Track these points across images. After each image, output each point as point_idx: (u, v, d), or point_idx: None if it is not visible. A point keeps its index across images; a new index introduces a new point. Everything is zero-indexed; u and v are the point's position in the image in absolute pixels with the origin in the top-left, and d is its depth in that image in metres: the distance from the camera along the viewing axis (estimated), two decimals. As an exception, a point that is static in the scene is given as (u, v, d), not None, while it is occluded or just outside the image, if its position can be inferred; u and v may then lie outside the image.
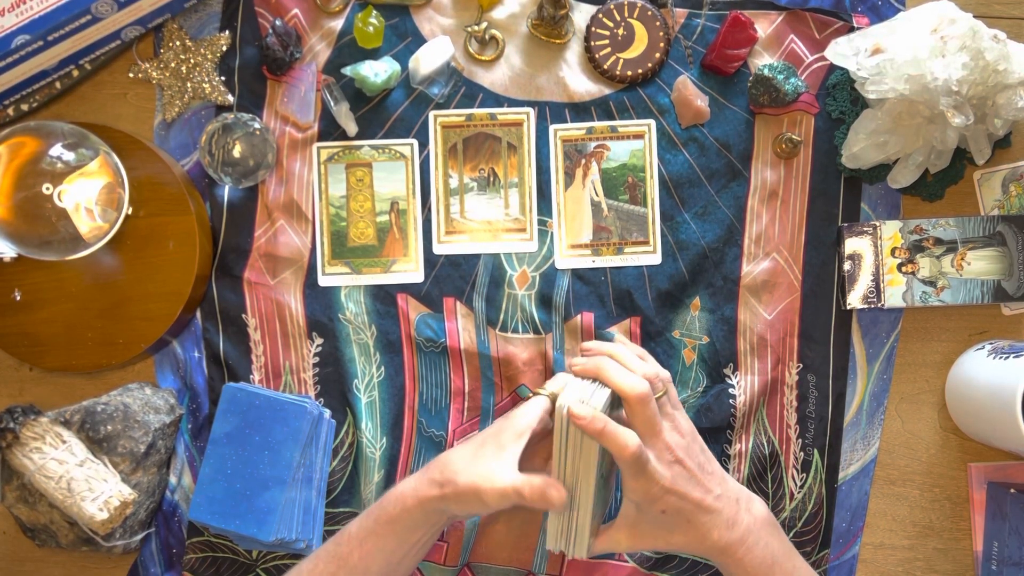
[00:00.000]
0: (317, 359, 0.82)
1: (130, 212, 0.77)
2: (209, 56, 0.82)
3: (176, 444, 0.81)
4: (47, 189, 0.74)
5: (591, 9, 0.83)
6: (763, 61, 0.82)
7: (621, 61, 0.82)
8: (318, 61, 0.83)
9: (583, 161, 0.83)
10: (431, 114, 0.83)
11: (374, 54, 0.83)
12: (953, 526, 0.82)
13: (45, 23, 0.74)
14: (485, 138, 0.83)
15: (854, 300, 0.80)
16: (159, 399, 0.79)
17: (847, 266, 0.80)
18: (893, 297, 0.79)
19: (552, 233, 0.82)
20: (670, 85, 0.83)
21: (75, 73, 0.82)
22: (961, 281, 0.79)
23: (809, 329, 0.82)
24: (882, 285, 0.80)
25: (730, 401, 0.81)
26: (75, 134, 0.75)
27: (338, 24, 0.83)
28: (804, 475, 0.81)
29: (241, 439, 0.76)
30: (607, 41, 0.82)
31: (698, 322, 0.82)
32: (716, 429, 0.81)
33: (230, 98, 0.83)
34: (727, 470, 0.81)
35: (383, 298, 0.82)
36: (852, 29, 0.82)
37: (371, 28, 0.81)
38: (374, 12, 0.81)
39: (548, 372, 0.81)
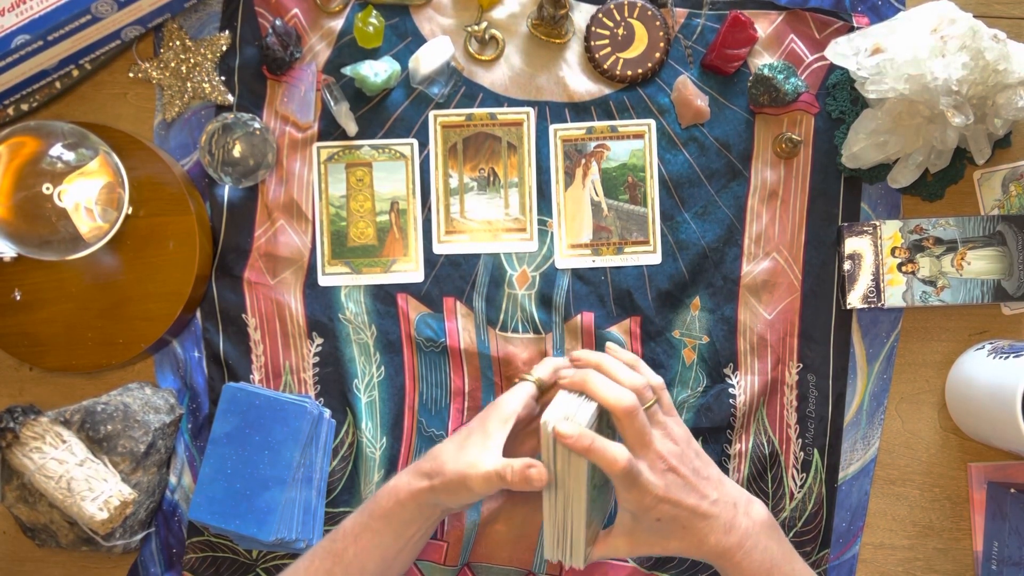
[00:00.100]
0: (317, 359, 0.82)
1: (130, 212, 0.77)
2: (209, 56, 0.82)
3: (176, 444, 0.81)
4: (47, 189, 0.74)
5: (591, 9, 0.83)
6: (763, 61, 0.82)
7: (621, 61, 0.82)
8: (318, 61, 0.83)
9: (583, 161, 0.83)
10: (431, 114, 0.83)
11: (374, 54, 0.83)
12: (953, 526, 0.82)
13: (45, 23, 0.74)
14: (485, 138, 0.83)
15: (854, 300, 0.80)
16: (159, 399, 0.79)
17: (847, 266, 0.80)
18: (893, 297, 0.79)
19: (552, 233, 0.82)
20: (670, 85, 0.83)
21: (75, 73, 0.82)
22: (961, 281, 0.79)
23: (809, 329, 0.82)
24: (882, 285, 0.80)
25: (730, 401, 0.81)
26: (75, 134, 0.75)
27: (338, 24, 0.83)
28: (804, 475, 0.81)
29: (241, 439, 0.76)
30: (607, 41, 0.82)
31: (698, 322, 0.82)
32: (716, 429, 0.81)
33: (230, 98, 0.83)
34: (727, 470, 0.81)
35: (383, 298, 0.82)
36: (852, 29, 0.82)
37: (371, 28, 0.81)
38: (374, 12, 0.81)
39: (548, 372, 0.81)
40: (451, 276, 0.82)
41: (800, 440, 0.81)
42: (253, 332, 0.82)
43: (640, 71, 0.82)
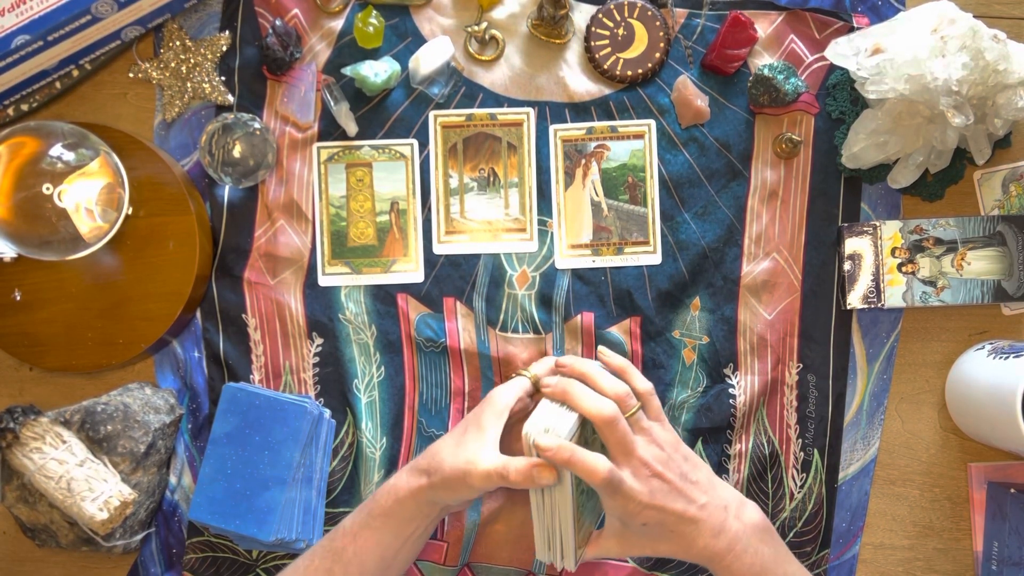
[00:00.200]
0: (317, 359, 0.82)
1: (130, 212, 0.77)
2: (209, 56, 0.82)
3: (176, 444, 0.81)
4: (47, 189, 0.74)
5: (591, 9, 0.83)
6: (763, 61, 0.83)
7: (621, 61, 0.82)
8: (318, 61, 0.83)
9: (583, 161, 0.83)
10: (431, 114, 0.83)
11: (374, 54, 0.83)
12: (953, 526, 0.82)
13: (45, 23, 0.74)
14: (485, 138, 0.83)
15: (854, 300, 0.80)
16: (159, 399, 0.79)
17: (847, 266, 0.80)
18: (893, 297, 0.79)
19: (552, 233, 0.82)
20: (670, 85, 0.83)
21: (75, 73, 0.82)
22: (961, 281, 0.79)
23: (809, 329, 0.82)
24: (882, 285, 0.80)
25: (730, 401, 0.81)
26: (75, 134, 0.75)
27: (338, 24, 0.83)
28: (804, 475, 0.81)
29: (241, 439, 0.76)
30: (607, 41, 0.82)
31: (698, 322, 0.82)
32: (716, 429, 0.81)
33: (230, 98, 0.83)
34: (727, 470, 0.81)
35: (383, 298, 0.82)
36: (852, 29, 0.82)
37: (371, 28, 0.81)
38: (374, 12, 0.81)
39: (548, 372, 0.81)
40: (451, 276, 0.82)
41: (800, 440, 0.81)
42: (253, 332, 0.82)
43: (640, 71, 0.82)
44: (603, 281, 0.82)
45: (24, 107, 0.82)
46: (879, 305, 0.80)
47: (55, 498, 0.72)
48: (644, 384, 0.71)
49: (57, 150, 0.75)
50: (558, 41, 0.83)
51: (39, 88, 0.82)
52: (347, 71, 0.81)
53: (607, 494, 0.65)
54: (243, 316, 0.82)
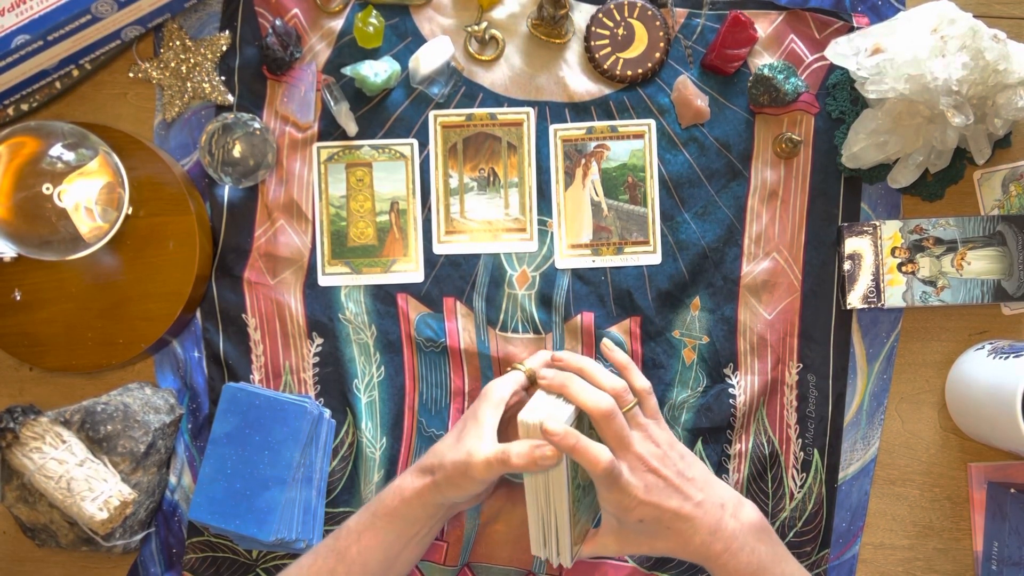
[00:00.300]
0: (317, 359, 0.82)
1: (130, 212, 0.77)
2: (209, 56, 0.82)
3: (176, 444, 0.81)
4: (47, 189, 0.74)
5: (591, 9, 0.83)
6: (763, 61, 0.82)
7: (621, 61, 0.82)
8: (318, 61, 0.83)
9: (583, 161, 0.83)
10: (431, 114, 0.83)
11: (374, 54, 0.83)
12: (953, 526, 0.82)
13: (45, 23, 0.74)
14: (485, 138, 0.83)
15: (854, 300, 0.80)
16: (159, 399, 0.79)
17: (847, 266, 0.80)
18: (893, 297, 0.79)
19: (552, 233, 0.82)
20: (670, 85, 0.83)
21: (75, 73, 0.82)
22: (961, 281, 0.79)
23: (809, 329, 0.82)
24: (882, 285, 0.80)
25: (730, 401, 0.81)
26: (75, 134, 0.75)
27: (338, 24, 0.83)
28: (804, 475, 0.81)
29: (241, 439, 0.76)
30: (607, 41, 0.82)
31: (698, 322, 0.82)
32: (716, 429, 0.81)
33: (230, 98, 0.83)
34: (727, 470, 0.81)
35: (383, 298, 0.82)
36: (852, 29, 0.82)
37: (371, 28, 0.81)
38: (374, 12, 0.81)
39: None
40: (451, 276, 0.82)
41: (800, 440, 0.81)
42: (253, 332, 0.82)
43: (640, 71, 0.82)
44: (603, 281, 0.82)
45: (24, 107, 0.82)
46: (879, 305, 0.80)
47: (55, 498, 0.72)
48: (642, 382, 0.71)
49: (57, 150, 0.75)
50: (558, 41, 0.83)
51: (39, 88, 0.82)
52: (347, 71, 0.81)
53: (604, 486, 0.65)
54: (243, 316, 0.82)
